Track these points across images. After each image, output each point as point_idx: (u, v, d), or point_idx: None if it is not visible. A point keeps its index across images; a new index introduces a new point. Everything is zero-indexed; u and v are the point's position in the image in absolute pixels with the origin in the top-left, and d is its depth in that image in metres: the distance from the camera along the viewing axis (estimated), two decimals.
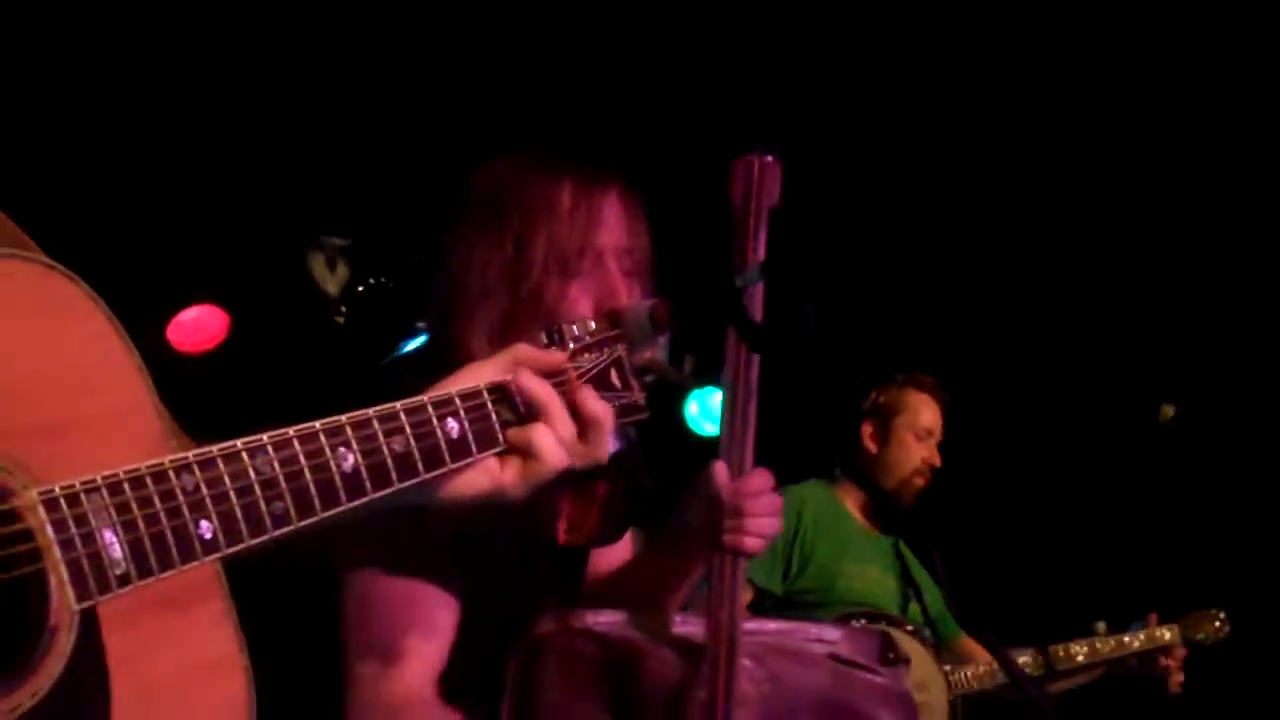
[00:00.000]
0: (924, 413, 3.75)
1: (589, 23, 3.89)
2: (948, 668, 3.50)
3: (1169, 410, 3.82)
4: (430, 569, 1.75)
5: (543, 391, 1.31)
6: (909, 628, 3.48)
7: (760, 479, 1.80)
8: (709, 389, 5.05)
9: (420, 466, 1.22)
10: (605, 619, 1.77)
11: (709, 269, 1.72)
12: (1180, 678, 3.74)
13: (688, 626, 1.77)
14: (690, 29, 3.88)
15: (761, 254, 1.77)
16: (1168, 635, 3.78)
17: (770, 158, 1.82)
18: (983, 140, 4.33)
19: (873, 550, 3.58)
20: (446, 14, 3.89)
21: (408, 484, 1.21)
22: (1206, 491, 4.48)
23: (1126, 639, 3.73)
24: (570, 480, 1.90)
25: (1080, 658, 3.67)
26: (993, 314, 4.78)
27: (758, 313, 1.76)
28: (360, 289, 4.57)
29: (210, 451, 1.10)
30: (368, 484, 1.18)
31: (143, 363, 1.13)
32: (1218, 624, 3.89)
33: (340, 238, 4.58)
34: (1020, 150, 4.36)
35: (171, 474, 1.07)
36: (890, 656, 1.81)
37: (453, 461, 1.25)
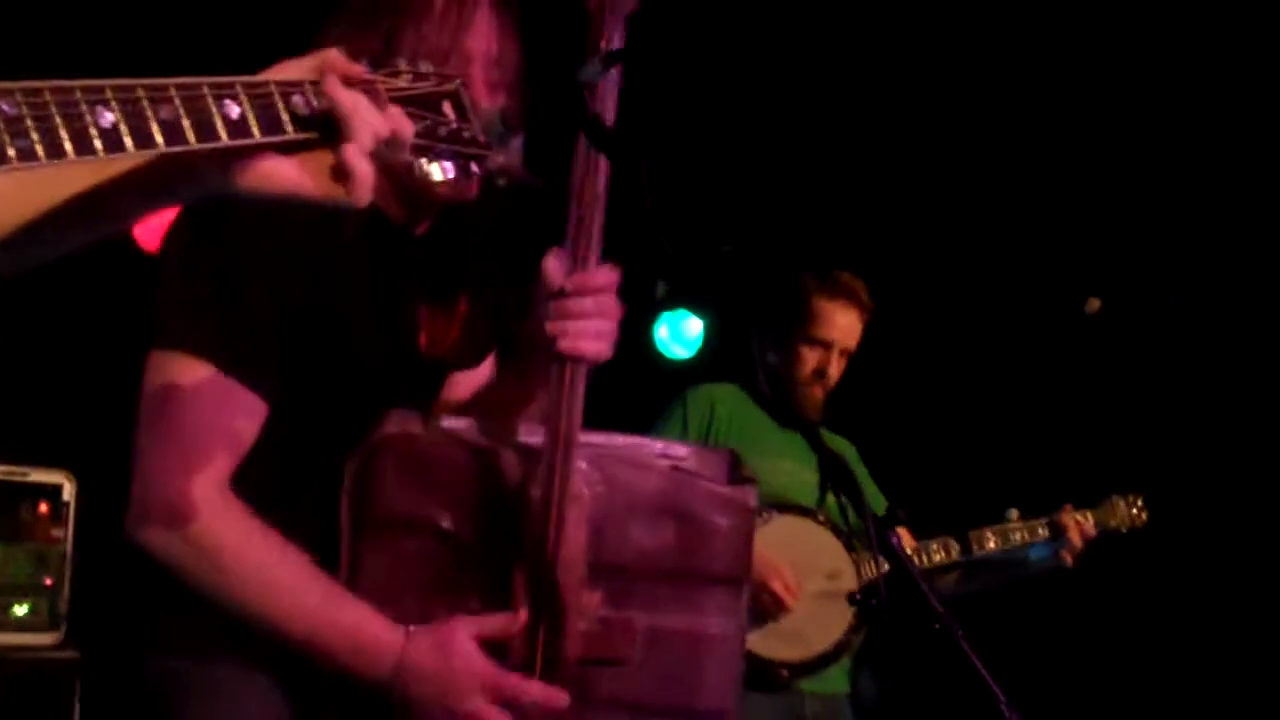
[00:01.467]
0: (826, 320, 3.63)
1: None
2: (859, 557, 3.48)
3: (1095, 303, 3.81)
4: (250, 363, 1.76)
5: (347, 102, 1.32)
6: (820, 518, 3.48)
7: (601, 276, 1.77)
8: (679, 312, 5.09)
9: (191, 136, 1.23)
10: (447, 423, 1.81)
11: (555, 66, 1.73)
12: (1078, 550, 3.70)
13: (530, 435, 1.79)
14: None
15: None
16: (1085, 519, 3.74)
17: None
18: (909, 16, 4.35)
19: (787, 444, 3.51)
20: None
21: (178, 149, 1.23)
22: (1130, 385, 4.54)
23: (1040, 526, 3.71)
24: (431, 293, 1.95)
25: (992, 544, 3.65)
26: (922, 204, 4.81)
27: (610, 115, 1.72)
28: None
29: None
30: (127, 141, 1.20)
31: None
32: (1135, 510, 3.87)
33: None
34: (947, 28, 4.39)
35: None
36: (738, 475, 1.85)
37: (230, 138, 1.26)
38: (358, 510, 1.76)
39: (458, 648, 1.72)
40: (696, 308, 4.96)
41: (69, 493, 3.72)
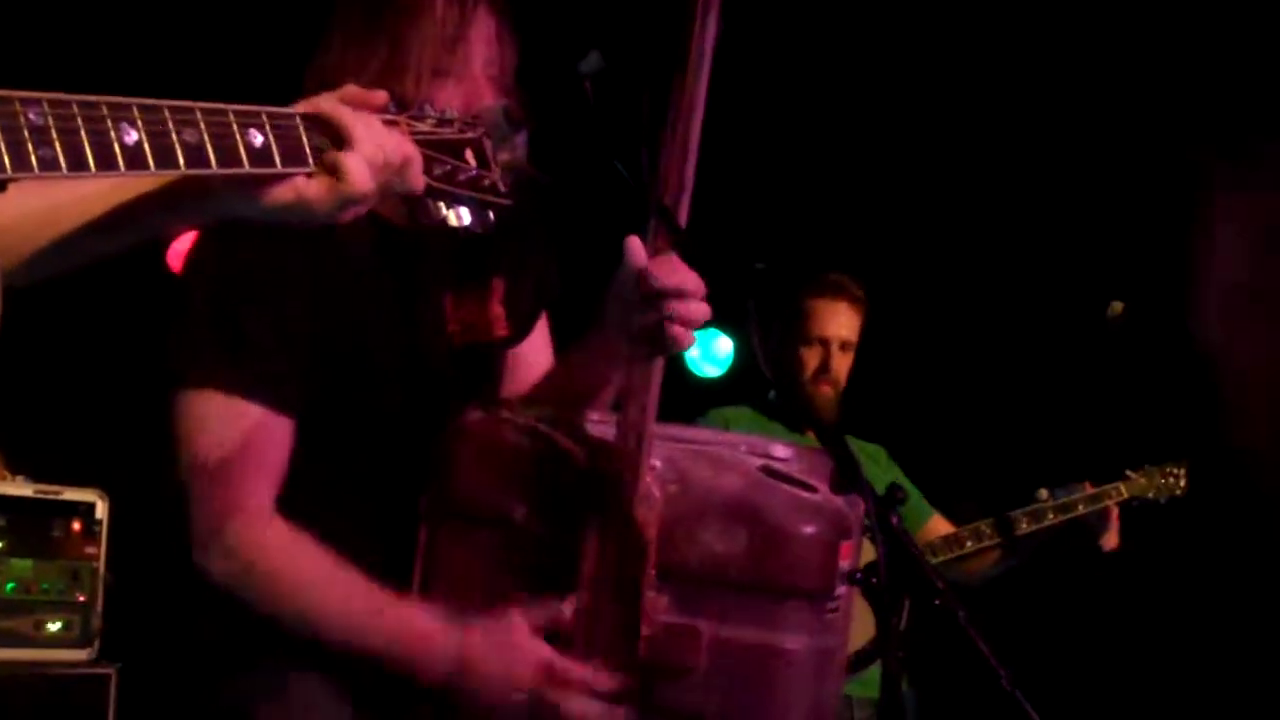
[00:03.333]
0: (821, 318, 3.61)
1: None
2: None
3: (1118, 306, 3.81)
4: (273, 381, 1.78)
5: (350, 117, 1.37)
6: None
7: (694, 279, 1.74)
8: (710, 331, 5.11)
9: (213, 161, 1.25)
10: (522, 414, 1.78)
11: (557, 63, 1.74)
12: (1113, 536, 3.66)
13: (606, 428, 1.75)
14: None
15: (709, 44, 1.72)
16: (1121, 490, 3.69)
17: None
18: (928, 34, 4.36)
19: None
20: None
21: (200, 172, 1.25)
22: (1151, 385, 4.51)
23: (1072, 500, 3.67)
24: (454, 281, 1.95)
25: (1025, 524, 3.63)
26: (944, 208, 4.82)
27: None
28: None
29: None
30: (150, 159, 1.21)
31: None
32: (1174, 478, 3.78)
33: None
34: (967, 42, 4.40)
35: None
36: (845, 480, 1.70)
37: (252, 166, 1.29)
38: (439, 494, 1.76)
39: (515, 636, 1.72)
40: (727, 326, 4.98)
41: (101, 510, 3.73)
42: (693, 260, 1.75)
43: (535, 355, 2.08)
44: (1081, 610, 4.57)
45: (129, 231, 1.41)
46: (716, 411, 3.65)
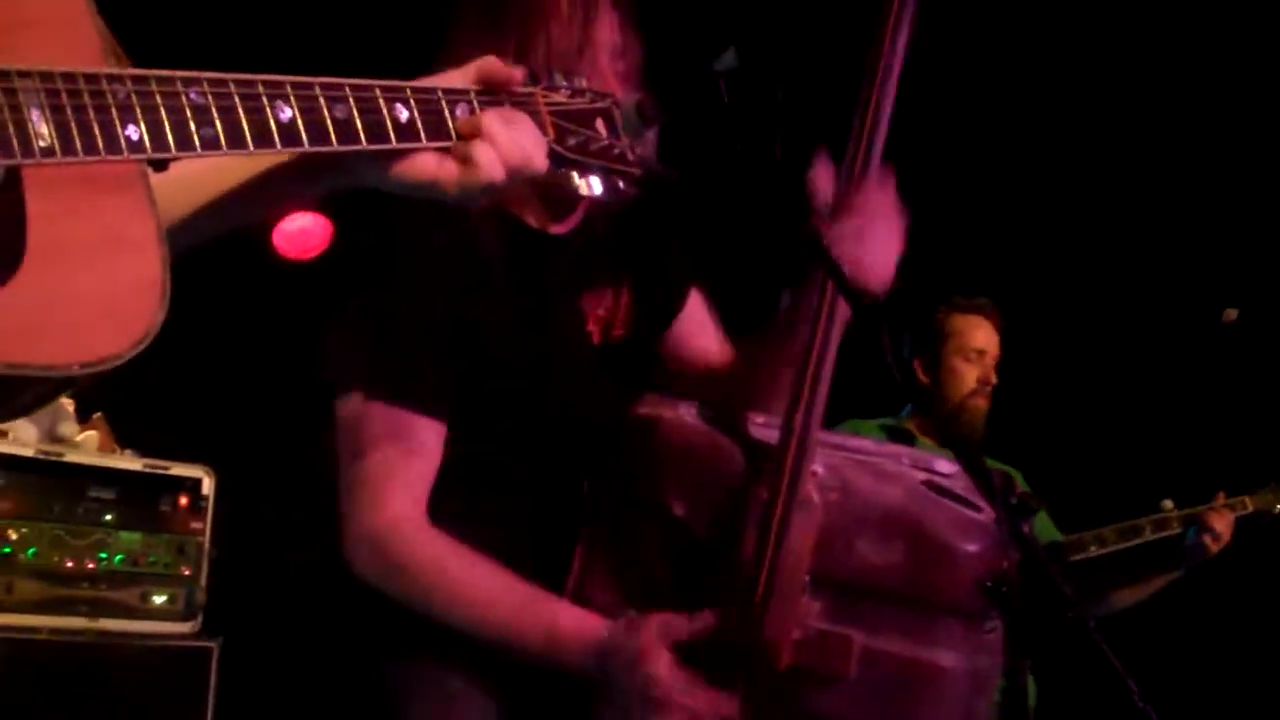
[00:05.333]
0: (972, 333, 3.73)
1: None
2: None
3: (1232, 313, 3.79)
4: (420, 389, 1.81)
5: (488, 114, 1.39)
6: None
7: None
8: None
9: (363, 136, 1.28)
10: (695, 409, 1.79)
11: (691, 60, 1.72)
12: (1222, 540, 3.66)
13: (769, 431, 1.74)
14: None
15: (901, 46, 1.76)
16: (1239, 506, 3.72)
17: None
18: (1031, 46, 4.34)
19: None
20: None
21: (350, 149, 1.28)
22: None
23: (1197, 511, 3.70)
24: (590, 278, 1.96)
25: (1149, 531, 3.68)
26: (1053, 225, 4.78)
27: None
28: None
29: (146, 72, 1.17)
30: (304, 137, 1.24)
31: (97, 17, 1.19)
32: None
33: None
34: (1071, 48, 4.38)
35: (104, 80, 1.13)
36: (1013, 502, 1.61)
37: (399, 141, 1.32)
38: (601, 486, 1.79)
39: (644, 639, 1.71)
40: None
41: (208, 487, 3.78)
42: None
43: (693, 339, 2.10)
44: (1208, 628, 4.51)
45: (264, 202, 1.44)
46: (850, 424, 3.68)
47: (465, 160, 1.37)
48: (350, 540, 1.83)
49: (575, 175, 1.50)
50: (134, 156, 1.15)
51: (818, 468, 1.71)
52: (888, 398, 3.73)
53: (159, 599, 3.61)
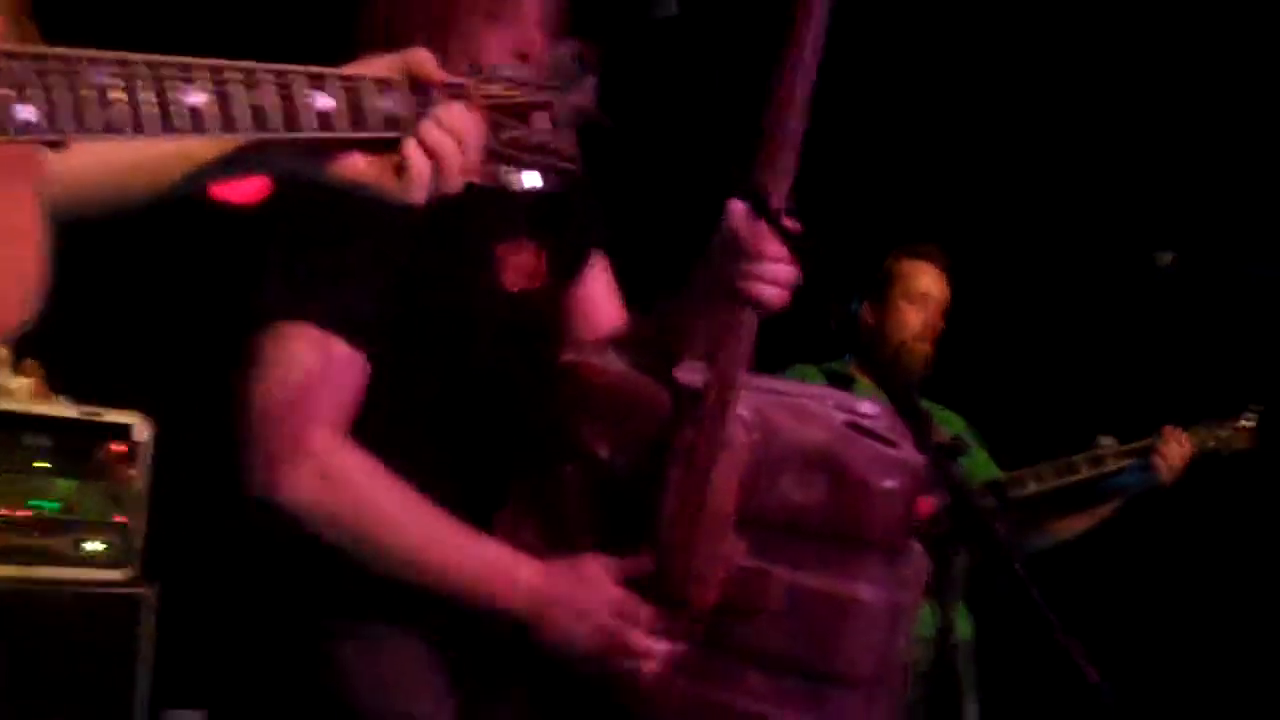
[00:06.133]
0: (918, 278, 3.77)
1: None
2: None
3: (1167, 257, 3.83)
4: (346, 320, 1.80)
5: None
6: None
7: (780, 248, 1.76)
8: None
9: (280, 124, 1.24)
10: (618, 355, 1.83)
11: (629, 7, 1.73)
12: (1176, 469, 3.67)
13: (692, 375, 1.77)
14: None
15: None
16: (1184, 441, 3.71)
17: None
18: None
19: None
20: None
21: (265, 136, 1.25)
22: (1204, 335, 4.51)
23: (1135, 450, 3.71)
24: (504, 229, 1.96)
25: (1085, 469, 3.69)
26: (995, 174, 4.84)
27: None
28: None
29: (46, 50, 1.12)
30: (213, 123, 1.20)
31: None
32: (1238, 430, 3.80)
33: None
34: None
35: (1, 57, 1.09)
36: (930, 440, 1.66)
37: (318, 130, 1.27)
38: (526, 433, 1.80)
39: (589, 573, 1.75)
40: None
41: (141, 433, 3.76)
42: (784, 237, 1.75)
43: (599, 302, 2.11)
44: (1144, 567, 4.58)
45: (189, 180, 1.41)
46: (797, 368, 3.69)
47: (400, 170, 1.34)
48: (270, 461, 1.76)
49: (509, 169, 1.47)
50: (24, 138, 1.10)
51: (743, 410, 1.74)
52: (833, 343, 3.76)
53: (93, 546, 3.60)
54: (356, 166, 1.35)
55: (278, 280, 1.83)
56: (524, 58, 1.88)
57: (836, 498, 1.72)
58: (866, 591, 1.73)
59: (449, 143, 1.35)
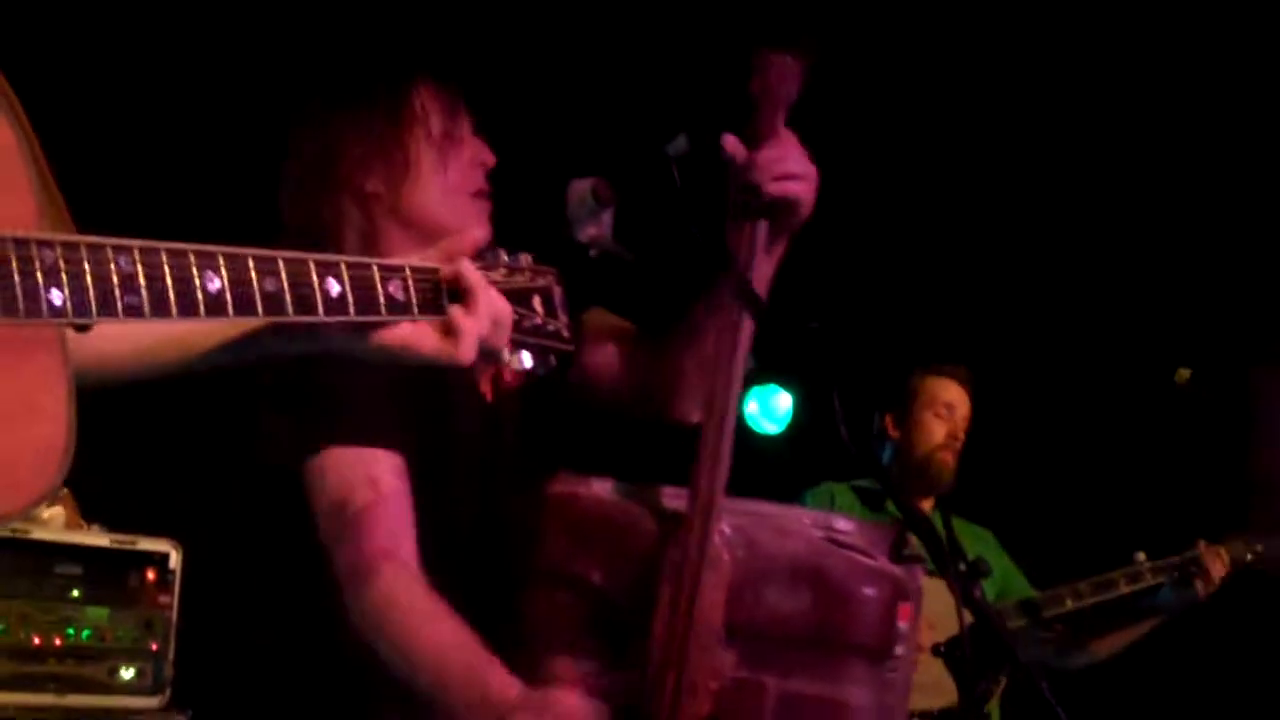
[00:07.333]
0: (943, 392, 3.87)
1: None
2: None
3: (1185, 373, 3.86)
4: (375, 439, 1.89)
5: (473, 271, 1.46)
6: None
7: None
8: (769, 387, 5.14)
9: (290, 309, 1.32)
10: (605, 484, 1.89)
11: (642, 146, 1.83)
12: (1214, 584, 3.70)
13: (677, 500, 1.85)
14: None
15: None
16: (1222, 554, 3.74)
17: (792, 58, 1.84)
18: (987, 117, 4.51)
19: None
20: None
21: (276, 320, 1.34)
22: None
23: (1170, 566, 3.74)
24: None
25: (1123, 585, 3.72)
26: (1008, 296, 4.94)
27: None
28: None
29: (76, 239, 1.21)
30: (230, 307, 1.28)
31: (32, 144, 1.23)
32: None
33: None
34: (1026, 120, 4.55)
35: (33, 245, 1.17)
36: (905, 553, 1.83)
37: (327, 315, 1.36)
38: (522, 559, 1.88)
39: (554, 698, 1.79)
40: (786, 383, 5.09)
41: (175, 561, 3.82)
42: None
43: (594, 357, 2.16)
44: (1179, 684, 4.56)
45: (224, 353, 1.47)
46: (825, 486, 3.82)
47: (449, 331, 1.43)
48: (346, 580, 1.86)
49: (505, 351, 1.53)
50: (55, 321, 1.18)
51: (724, 528, 1.82)
52: (857, 459, 3.80)
53: (127, 674, 3.65)
54: (402, 334, 1.43)
55: (289, 427, 1.91)
56: (484, 165, 2.00)
57: (820, 606, 1.80)
58: (855, 695, 1.80)
59: (498, 313, 1.46)
